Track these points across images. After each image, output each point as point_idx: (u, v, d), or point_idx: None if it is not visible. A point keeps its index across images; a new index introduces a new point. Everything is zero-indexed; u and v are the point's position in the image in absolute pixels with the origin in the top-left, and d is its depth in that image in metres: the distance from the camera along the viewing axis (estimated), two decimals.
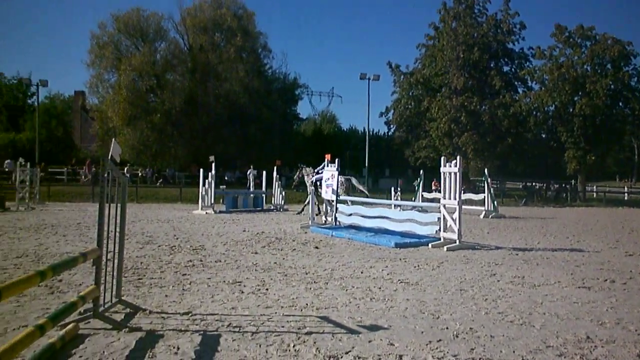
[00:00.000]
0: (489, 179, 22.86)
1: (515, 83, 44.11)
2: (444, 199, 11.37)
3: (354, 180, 18.48)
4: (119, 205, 5.30)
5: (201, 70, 43.37)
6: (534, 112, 41.57)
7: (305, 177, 19.28)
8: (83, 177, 36.40)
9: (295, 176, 20.77)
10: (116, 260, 5.36)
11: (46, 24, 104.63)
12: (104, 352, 4.04)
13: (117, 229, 5.33)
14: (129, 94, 40.09)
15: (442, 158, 11.68)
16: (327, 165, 15.31)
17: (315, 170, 18.30)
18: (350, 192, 18.02)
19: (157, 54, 43.35)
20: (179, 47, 44.58)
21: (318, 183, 17.19)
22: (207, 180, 20.26)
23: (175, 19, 44.81)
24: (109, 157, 5.24)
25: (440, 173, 11.53)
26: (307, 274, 7.56)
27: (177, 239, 11.40)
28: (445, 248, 10.68)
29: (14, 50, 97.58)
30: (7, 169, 31.95)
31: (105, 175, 5.08)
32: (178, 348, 4.13)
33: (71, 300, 4.52)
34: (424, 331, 4.78)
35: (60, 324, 4.33)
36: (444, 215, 11.34)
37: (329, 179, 14.98)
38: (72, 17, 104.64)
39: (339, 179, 16.22)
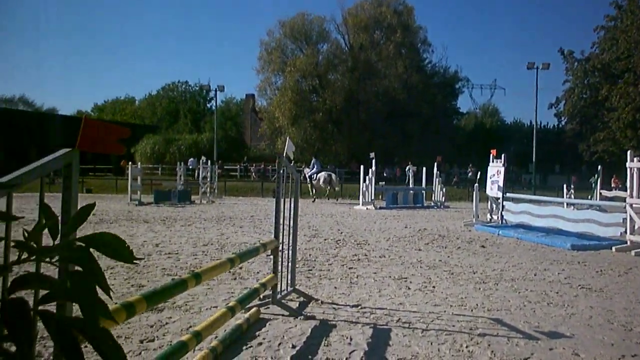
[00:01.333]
0: None
1: None
2: (631, 197, 10.15)
3: (333, 177, 22.26)
4: (292, 199, 5.63)
5: (361, 68, 44.23)
6: None
7: (306, 170, 23.00)
8: (254, 174, 39.40)
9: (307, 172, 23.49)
10: (290, 252, 5.68)
11: (222, 36, 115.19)
12: (283, 336, 4.32)
13: (291, 222, 5.65)
14: (294, 95, 42.42)
15: (629, 152, 10.44)
16: (492, 161, 14.60)
17: (312, 164, 22.78)
18: (330, 186, 22.16)
19: (319, 55, 45.24)
20: (340, 47, 46.03)
21: (314, 176, 22.00)
22: (367, 177, 20.61)
23: (337, 20, 46.32)
24: (284, 155, 5.59)
25: (626, 169, 10.32)
26: (474, 273, 7.30)
27: (341, 233, 11.77)
28: (633, 252, 9.54)
29: (197, 61, 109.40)
30: (190, 167, 35.83)
31: (281, 171, 5.43)
32: (351, 339, 4.26)
33: (254, 286, 4.91)
34: (614, 343, 4.32)
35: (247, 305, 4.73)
36: (630, 216, 10.13)
37: (494, 175, 14.27)
38: (244, 28, 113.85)
39: (324, 175, 20.86)
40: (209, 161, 24.85)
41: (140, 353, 3.92)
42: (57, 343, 0.70)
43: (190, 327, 4.53)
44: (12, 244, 0.80)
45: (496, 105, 69.82)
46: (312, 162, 22.92)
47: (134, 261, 0.86)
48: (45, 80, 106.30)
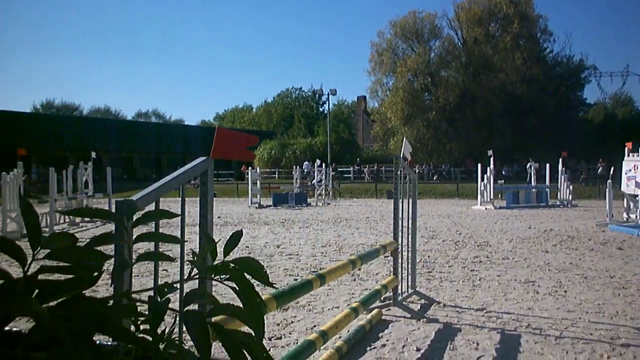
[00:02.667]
0: None
1: None
2: None
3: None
4: (410, 200, 5.58)
5: (475, 63, 42.62)
6: None
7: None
8: (367, 175, 39.54)
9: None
10: (410, 253, 5.63)
11: (334, 42, 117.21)
12: (406, 339, 4.29)
13: (409, 223, 5.59)
14: (406, 95, 41.93)
15: None
16: (628, 155, 13.35)
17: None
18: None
19: (431, 53, 44.32)
20: (452, 43, 44.72)
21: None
22: (485, 175, 19.82)
23: (448, 16, 45.07)
24: (401, 155, 5.55)
25: None
26: (611, 277, 6.71)
27: (459, 234, 11.43)
28: None
29: (310, 67, 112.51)
30: (305, 170, 36.81)
31: (398, 172, 5.40)
32: (477, 344, 4.12)
33: (375, 288, 4.93)
34: None
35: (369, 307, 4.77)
36: None
37: (630, 170, 13.04)
38: (354, 32, 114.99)
39: (316, 169, 19.82)
40: (323, 164, 25.38)
41: (269, 350, 4.10)
42: (230, 352, 0.78)
43: (315, 326, 4.66)
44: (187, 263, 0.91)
45: (630, 94, 63.47)
46: (305, 163, 23.55)
47: (272, 285, 0.96)
48: (174, 94, 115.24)
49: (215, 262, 0.92)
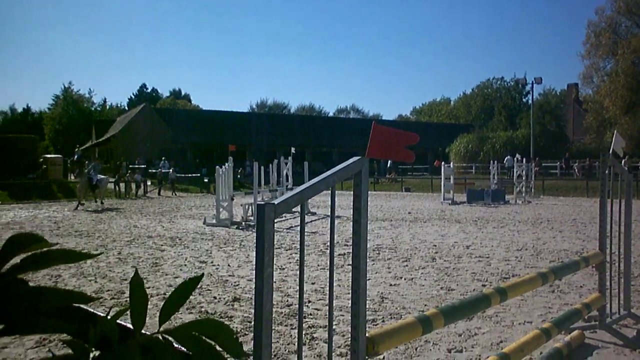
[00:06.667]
0: None
1: None
2: None
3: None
4: (622, 203, 4.70)
5: None
6: None
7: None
8: (577, 171, 35.63)
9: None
10: (622, 265, 4.75)
11: (537, 26, 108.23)
12: None
13: (622, 230, 4.72)
14: (628, 80, 36.70)
15: None
16: None
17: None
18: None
19: None
20: None
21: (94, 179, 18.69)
22: None
23: None
24: (610, 151, 4.72)
25: None
26: None
27: None
28: None
29: (512, 56, 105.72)
30: (506, 165, 34.54)
31: (606, 171, 4.58)
32: None
33: (575, 307, 4.24)
34: None
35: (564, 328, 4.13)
36: None
37: None
38: (564, 16, 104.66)
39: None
40: (524, 159, 23.51)
41: None
42: None
43: (501, 342, 4.19)
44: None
45: None
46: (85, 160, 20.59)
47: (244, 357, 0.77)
48: (371, 89, 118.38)
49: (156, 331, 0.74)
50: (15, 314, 0.66)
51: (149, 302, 0.81)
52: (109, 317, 0.71)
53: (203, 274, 1.04)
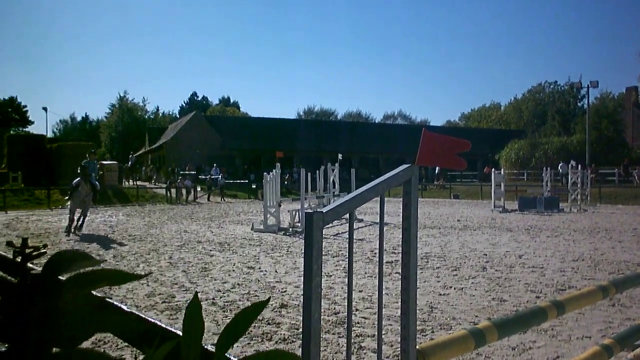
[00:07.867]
0: None
1: None
2: None
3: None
4: None
5: None
6: None
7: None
8: (637, 178, 33.99)
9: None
10: None
11: (592, 28, 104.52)
12: None
13: None
14: None
15: None
16: None
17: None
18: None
19: None
20: None
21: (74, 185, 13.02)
22: None
23: None
24: None
25: None
26: None
27: None
28: None
29: (566, 59, 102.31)
30: (560, 172, 33.38)
31: None
32: None
33: (638, 322, 4.00)
34: None
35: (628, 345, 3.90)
36: None
37: None
38: (620, 16, 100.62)
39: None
40: (579, 165, 22.64)
41: None
42: None
43: (558, 357, 4.02)
44: None
45: None
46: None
47: None
48: (418, 95, 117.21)
49: None
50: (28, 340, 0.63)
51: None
52: (154, 352, 0.66)
53: (269, 298, 1.01)
